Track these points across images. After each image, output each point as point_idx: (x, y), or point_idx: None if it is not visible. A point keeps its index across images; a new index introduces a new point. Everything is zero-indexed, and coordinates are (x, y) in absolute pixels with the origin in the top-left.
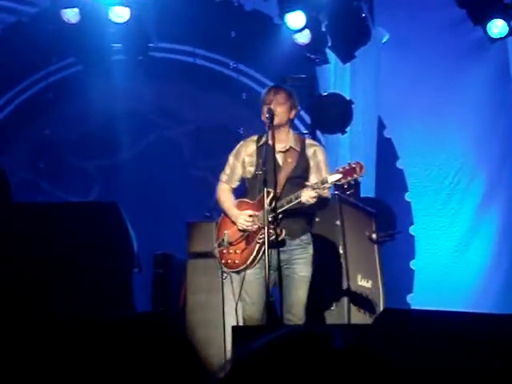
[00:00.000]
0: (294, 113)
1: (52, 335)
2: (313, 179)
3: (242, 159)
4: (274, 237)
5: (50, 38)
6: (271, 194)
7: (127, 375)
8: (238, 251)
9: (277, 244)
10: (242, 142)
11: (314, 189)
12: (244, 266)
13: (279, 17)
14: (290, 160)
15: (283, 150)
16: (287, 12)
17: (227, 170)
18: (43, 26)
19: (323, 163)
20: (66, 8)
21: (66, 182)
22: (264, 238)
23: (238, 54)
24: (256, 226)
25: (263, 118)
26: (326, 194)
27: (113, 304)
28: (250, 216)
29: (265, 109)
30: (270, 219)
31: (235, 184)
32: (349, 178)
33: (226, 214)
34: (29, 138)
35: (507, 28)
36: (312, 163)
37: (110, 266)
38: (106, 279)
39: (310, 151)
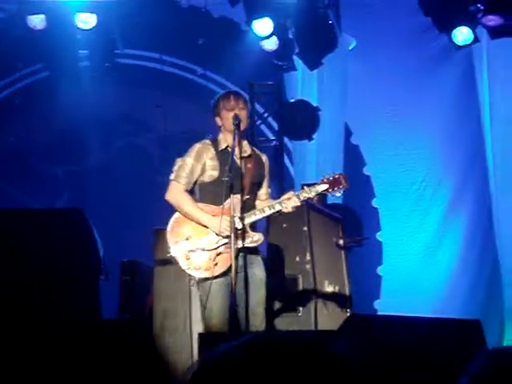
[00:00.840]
0: (249, 121)
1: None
2: (263, 187)
3: (204, 162)
4: (254, 244)
5: (17, 44)
6: (240, 201)
7: (93, 380)
8: (211, 258)
9: (253, 248)
10: (199, 145)
11: (299, 198)
12: (222, 271)
13: (246, 23)
14: (249, 166)
15: (244, 155)
16: (255, 19)
17: (185, 171)
18: (9, 32)
19: (268, 173)
20: (32, 14)
21: (32, 189)
22: (241, 243)
23: (205, 61)
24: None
25: (224, 123)
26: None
27: (79, 311)
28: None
29: (229, 115)
30: (242, 225)
31: (190, 187)
32: (335, 189)
33: (189, 218)
34: None
35: (472, 35)
36: (265, 171)
37: (76, 273)
38: (71, 286)
39: (263, 158)
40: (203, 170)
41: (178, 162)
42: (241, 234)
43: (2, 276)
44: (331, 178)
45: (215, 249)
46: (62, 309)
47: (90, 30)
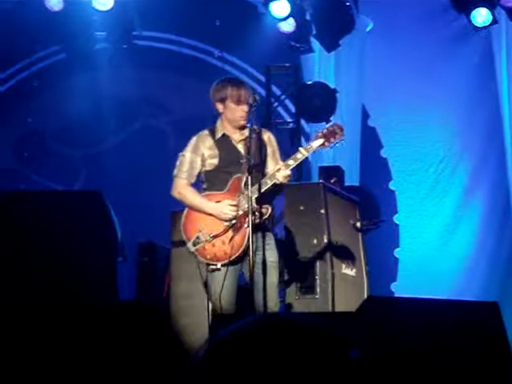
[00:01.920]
0: None
1: (36, 323)
2: (270, 165)
3: (202, 153)
4: (264, 217)
5: (34, 26)
6: (243, 180)
7: (111, 362)
8: (226, 241)
9: (265, 225)
10: (195, 138)
11: (288, 166)
12: (237, 254)
13: (264, 5)
14: (251, 146)
15: (243, 138)
16: (272, 1)
17: (184, 166)
18: (26, 14)
19: (277, 149)
20: None
21: (51, 171)
22: (254, 220)
23: (222, 43)
24: (241, 212)
25: (229, 115)
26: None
27: (97, 293)
28: (231, 205)
29: (238, 108)
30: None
31: (194, 179)
32: (332, 141)
33: (196, 209)
34: (14, 126)
35: (491, 16)
36: (269, 149)
37: (94, 255)
38: (90, 268)
39: (265, 137)
40: (203, 161)
41: (179, 157)
42: (258, 209)
43: (20, 258)
44: (325, 131)
45: (225, 232)
46: (79, 290)
47: (108, 11)
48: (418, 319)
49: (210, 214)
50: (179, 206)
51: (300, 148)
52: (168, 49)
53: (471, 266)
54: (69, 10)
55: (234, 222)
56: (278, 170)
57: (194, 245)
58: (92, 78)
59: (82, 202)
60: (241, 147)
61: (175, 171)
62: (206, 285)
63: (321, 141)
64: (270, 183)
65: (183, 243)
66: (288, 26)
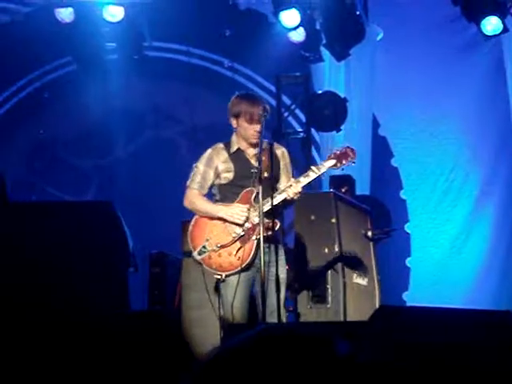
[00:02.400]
0: None
1: (48, 334)
2: (282, 180)
3: (215, 166)
4: (270, 232)
5: (45, 38)
6: (254, 193)
7: (124, 372)
8: (232, 253)
9: (274, 238)
10: (210, 150)
11: (299, 182)
12: (244, 265)
13: (274, 15)
14: (264, 158)
15: (257, 152)
16: (282, 10)
17: (197, 177)
18: (37, 26)
19: (289, 165)
20: (60, 7)
21: (62, 182)
22: (260, 234)
23: (232, 53)
24: (250, 225)
25: (242, 132)
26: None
27: (109, 303)
28: (242, 210)
29: (250, 128)
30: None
31: (206, 191)
32: (344, 162)
33: (207, 216)
34: (24, 137)
35: (501, 25)
36: (282, 164)
37: (106, 266)
38: (101, 279)
39: (278, 152)
40: (217, 174)
41: (193, 168)
42: (268, 222)
43: (33, 267)
44: (338, 153)
45: (232, 243)
46: (91, 301)
47: (118, 22)
48: (430, 328)
49: (220, 219)
50: (190, 216)
51: (312, 167)
52: (178, 59)
53: (483, 275)
54: (79, 21)
55: (242, 233)
56: (290, 187)
57: (200, 254)
58: (102, 88)
59: (93, 213)
60: (254, 162)
61: (188, 182)
62: (210, 293)
63: (333, 162)
64: (280, 199)
65: None
66: (298, 36)
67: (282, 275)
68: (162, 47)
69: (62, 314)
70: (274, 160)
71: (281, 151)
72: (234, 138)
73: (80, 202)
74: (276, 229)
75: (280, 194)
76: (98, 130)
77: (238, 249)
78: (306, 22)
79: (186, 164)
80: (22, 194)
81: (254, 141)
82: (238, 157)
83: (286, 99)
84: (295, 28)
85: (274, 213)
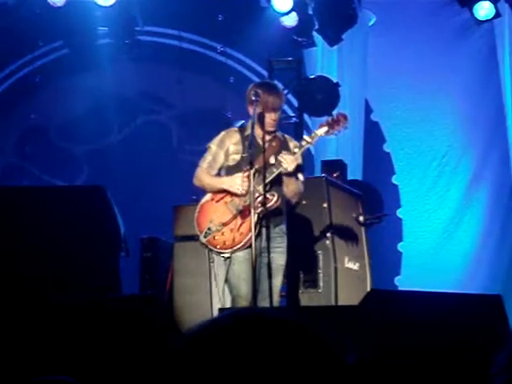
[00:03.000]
0: None
1: (40, 317)
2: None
3: (227, 148)
4: (270, 203)
5: (36, 22)
6: (253, 171)
7: (114, 355)
8: (234, 229)
9: (274, 215)
10: (223, 132)
11: (292, 153)
12: (247, 239)
13: (266, 0)
14: (274, 144)
15: (268, 138)
16: None
17: (208, 157)
18: (29, 10)
19: (300, 159)
20: None
21: (53, 167)
22: (261, 207)
23: (225, 38)
24: (249, 201)
25: (266, 121)
26: (299, 160)
27: (100, 288)
28: (243, 178)
29: (269, 116)
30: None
31: (215, 171)
32: (336, 128)
33: (213, 190)
34: (15, 122)
35: (494, 10)
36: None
37: (97, 250)
38: (93, 263)
39: (291, 145)
40: (227, 155)
41: (207, 147)
42: (258, 202)
43: (24, 252)
44: (330, 120)
45: (233, 218)
46: (83, 285)
47: (110, 6)
48: (421, 312)
49: (223, 198)
50: (182, 201)
51: (304, 136)
52: (170, 44)
53: (475, 260)
54: (71, 5)
55: (240, 208)
56: (282, 156)
57: (205, 236)
58: (94, 73)
59: (85, 198)
60: (263, 142)
61: (200, 161)
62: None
63: (325, 129)
64: (276, 171)
65: (186, 238)
66: (290, 21)
67: (281, 262)
68: (154, 32)
69: (54, 298)
70: (284, 149)
71: (293, 144)
72: (250, 123)
73: (72, 187)
74: (274, 202)
75: (276, 167)
76: (90, 115)
77: (240, 225)
78: (299, 7)
79: (178, 149)
80: (14, 178)
81: (270, 129)
82: (249, 140)
83: (278, 84)
84: (288, 13)
85: (272, 189)
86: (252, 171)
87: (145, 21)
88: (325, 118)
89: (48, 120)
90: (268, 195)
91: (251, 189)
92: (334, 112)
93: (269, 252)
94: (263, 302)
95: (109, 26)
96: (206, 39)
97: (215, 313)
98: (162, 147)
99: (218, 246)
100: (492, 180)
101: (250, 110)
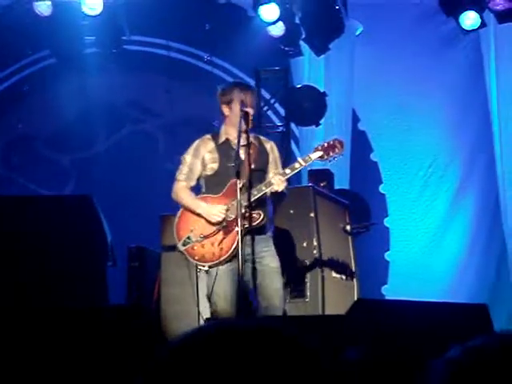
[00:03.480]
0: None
1: (26, 325)
2: (271, 173)
3: (202, 156)
4: (255, 222)
5: (23, 31)
6: (240, 185)
7: (101, 366)
8: (215, 243)
9: (257, 229)
10: (197, 141)
11: (284, 174)
12: (226, 256)
13: (253, 9)
14: (251, 152)
15: (244, 143)
16: (261, 4)
17: (184, 169)
18: (16, 19)
19: (279, 159)
20: (38, 1)
21: (40, 176)
22: (244, 225)
23: (211, 47)
24: (233, 216)
25: (233, 118)
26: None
27: (87, 298)
28: (222, 209)
29: (250, 112)
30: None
31: (194, 182)
32: (331, 154)
33: (189, 210)
34: (2, 131)
35: (479, 20)
36: (271, 158)
37: (84, 260)
38: (80, 273)
39: (267, 145)
40: (203, 165)
41: (181, 159)
42: (250, 214)
43: (10, 262)
44: (325, 145)
45: (215, 233)
46: (69, 295)
47: (97, 16)
48: (407, 321)
49: (200, 215)
50: (169, 210)
51: (298, 158)
52: (157, 53)
53: (462, 268)
54: (58, 14)
55: (224, 224)
56: (274, 178)
57: (184, 244)
58: (81, 82)
59: (72, 207)
60: (242, 153)
61: (176, 173)
62: (196, 287)
63: (319, 153)
64: (264, 190)
65: (173, 248)
66: (277, 30)
67: (273, 264)
68: (141, 41)
69: (40, 308)
70: (262, 153)
71: (269, 145)
72: (222, 129)
73: (58, 196)
74: (260, 221)
75: (265, 185)
76: (77, 124)
77: (221, 240)
78: (286, 17)
79: (165, 158)
80: (0, 188)
81: (248, 126)
82: (224, 148)
83: (265, 93)
84: (275, 22)
85: (259, 205)
86: (239, 185)
87: (132, 30)
88: (321, 142)
89: (35, 129)
90: (254, 214)
91: (236, 206)
92: (321, 123)
93: (253, 261)
94: (268, 307)
95: (96, 35)
96: (193, 48)
97: (202, 323)
98: (148, 156)
99: (197, 258)
100: (478, 187)
101: (226, 110)
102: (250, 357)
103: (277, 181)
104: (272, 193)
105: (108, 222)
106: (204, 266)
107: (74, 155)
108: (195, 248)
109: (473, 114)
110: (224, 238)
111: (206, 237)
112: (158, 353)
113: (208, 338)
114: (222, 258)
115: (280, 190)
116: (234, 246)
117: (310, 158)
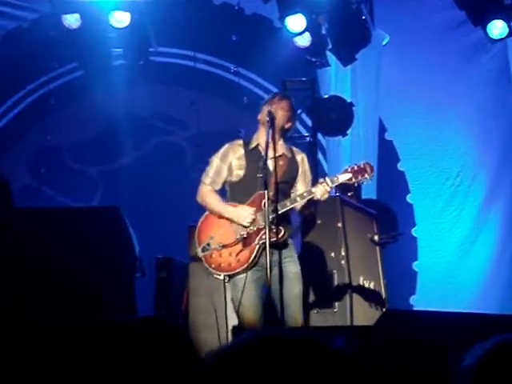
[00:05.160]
0: (290, 125)
1: (56, 340)
2: (300, 187)
3: (229, 162)
4: (275, 238)
5: (51, 44)
6: (266, 196)
7: (130, 377)
8: (233, 253)
9: (278, 244)
10: (227, 145)
11: (327, 185)
12: (242, 268)
13: (279, 20)
14: (281, 163)
15: (275, 155)
16: (287, 15)
17: (211, 172)
18: (44, 32)
19: (309, 172)
20: (66, 13)
21: (68, 188)
22: (265, 239)
23: (238, 58)
24: (255, 228)
25: (261, 117)
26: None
27: (116, 309)
28: (250, 212)
29: (266, 110)
30: (271, 220)
31: (219, 186)
32: (360, 178)
33: (215, 214)
34: (30, 143)
35: (507, 29)
36: (300, 170)
37: (113, 271)
38: (108, 284)
39: (298, 157)
40: (230, 170)
41: (209, 161)
42: (275, 229)
43: (39, 274)
44: (355, 168)
45: (235, 244)
46: (98, 306)
47: (124, 28)
48: (437, 332)
49: (228, 219)
50: (197, 221)
51: (326, 178)
52: (184, 64)
53: (490, 279)
54: (86, 27)
55: (244, 235)
56: (301, 196)
57: (203, 251)
58: (109, 94)
59: (100, 218)
60: (271, 163)
61: (202, 176)
62: (215, 296)
63: (348, 175)
64: (289, 206)
65: (201, 258)
66: (304, 41)
67: (294, 270)
68: (168, 52)
69: (70, 319)
70: (292, 165)
71: (301, 157)
72: (256, 135)
73: (86, 208)
74: (281, 236)
75: (290, 201)
76: (104, 136)
77: (240, 251)
78: (312, 27)
79: (192, 169)
80: (29, 200)
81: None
82: (253, 155)
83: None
84: (301, 33)
85: (282, 220)
86: (265, 199)
87: (159, 42)
88: (351, 164)
89: (63, 141)
90: (276, 229)
91: (263, 220)
92: (348, 134)
93: (279, 266)
94: (287, 314)
95: (123, 47)
96: (220, 59)
97: (230, 333)
98: (175, 167)
99: (213, 266)
100: (506, 196)
101: (259, 116)
102: (295, 367)
103: (322, 190)
104: (303, 206)
105: (136, 233)
106: (220, 275)
107: (102, 167)
108: (213, 256)
109: (501, 123)
110: (242, 250)
111: (224, 246)
112: (195, 368)
113: (253, 349)
114: (236, 270)
115: (323, 198)
116: (251, 259)
117: (337, 179)
